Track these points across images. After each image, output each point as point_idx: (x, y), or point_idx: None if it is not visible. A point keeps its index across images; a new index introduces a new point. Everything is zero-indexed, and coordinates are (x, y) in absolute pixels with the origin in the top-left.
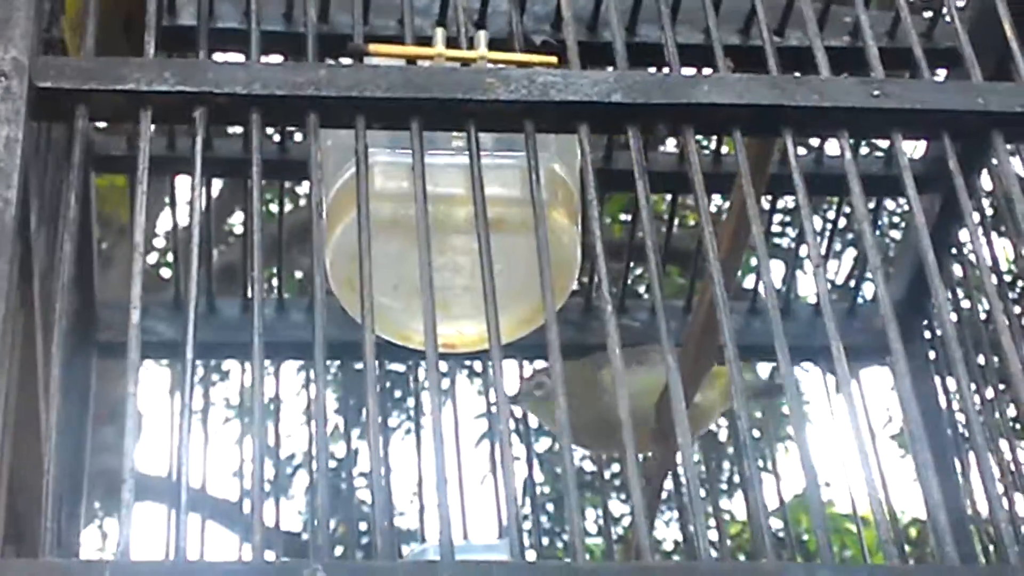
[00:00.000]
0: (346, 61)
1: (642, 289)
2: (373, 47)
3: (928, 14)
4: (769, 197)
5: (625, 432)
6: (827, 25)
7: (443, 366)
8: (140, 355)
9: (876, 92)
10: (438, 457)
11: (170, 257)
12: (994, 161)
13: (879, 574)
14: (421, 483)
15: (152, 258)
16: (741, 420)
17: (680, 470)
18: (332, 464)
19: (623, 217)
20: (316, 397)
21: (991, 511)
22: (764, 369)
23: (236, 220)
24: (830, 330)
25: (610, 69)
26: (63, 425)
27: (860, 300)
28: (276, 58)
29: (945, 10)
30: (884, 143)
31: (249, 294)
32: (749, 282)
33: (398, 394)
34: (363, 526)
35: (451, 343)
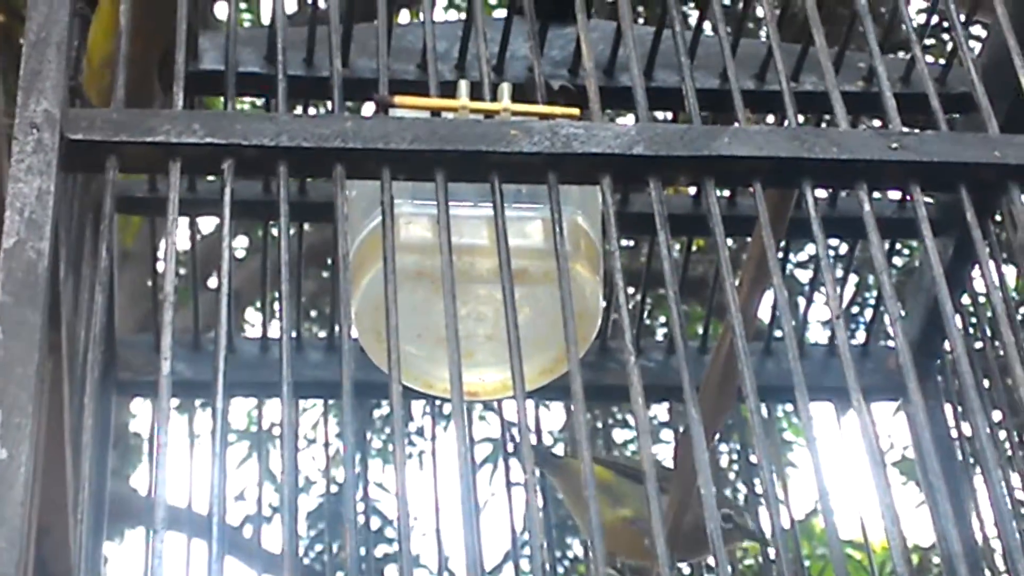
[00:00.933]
0: (365, 108)
1: (657, 319)
2: (398, 99)
3: (942, 60)
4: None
5: (649, 482)
6: (841, 69)
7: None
8: (170, 399)
9: (894, 145)
10: (465, 504)
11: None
12: (1010, 209)
13: None
14: (438, 512)
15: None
16: (763, 471)
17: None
18: (333, 489)
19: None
20: (346, 445)
21: (1004, 542)
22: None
23: (239, 244)
24: (850, 379)
25: (631, 120)
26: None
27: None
28: (294, 99)
29: (960, 58)
30: None
31: (268, 331)
32: (763, 312)
33: (412, 427)
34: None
35: (474, 391)
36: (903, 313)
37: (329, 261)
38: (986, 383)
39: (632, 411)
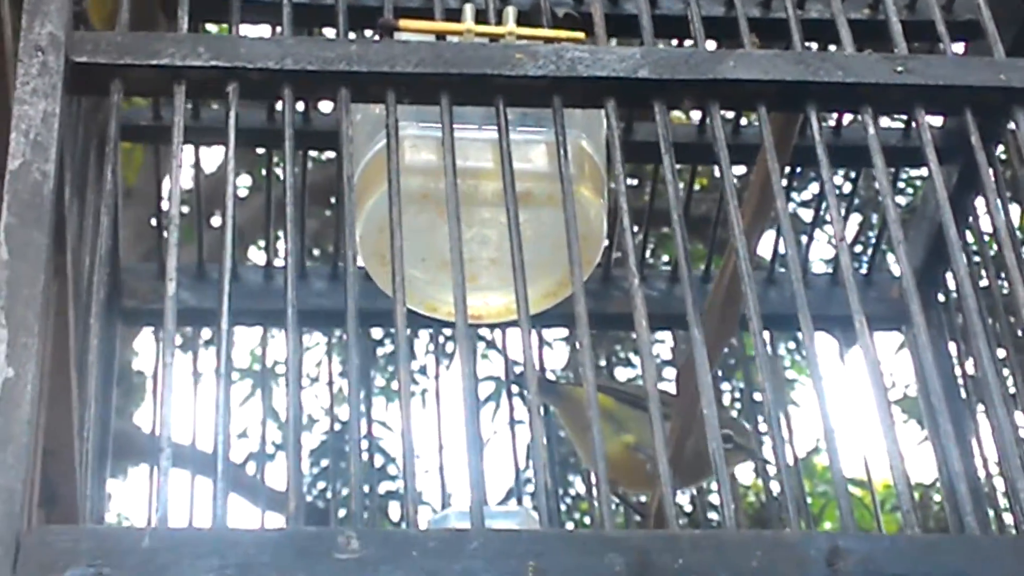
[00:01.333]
0: (370, 34)
1: (660, 257)
2: (403, 23)
3: None
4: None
5: (652, 402)
6: None
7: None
8: (175, 324)
9: (899, 68)
10: (470, 427)
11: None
12: (1013, 130)
13: (900, 543)
14: (441, 448)
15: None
16: (766, 393)
17: (709, 441)
18: (336, 427)
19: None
20: (348, 370)
21: (1008, 477)
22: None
23: (242, 183)
24: (853, 304)
25: (636, 45)
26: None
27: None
28: (301, 27)
29: None
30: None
31: (272, 261)
32: (764, 249)
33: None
34: (366, 488)
35: (478, 314)
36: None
37: (332, 200)
38: (990, 322)
39: (636, 335)
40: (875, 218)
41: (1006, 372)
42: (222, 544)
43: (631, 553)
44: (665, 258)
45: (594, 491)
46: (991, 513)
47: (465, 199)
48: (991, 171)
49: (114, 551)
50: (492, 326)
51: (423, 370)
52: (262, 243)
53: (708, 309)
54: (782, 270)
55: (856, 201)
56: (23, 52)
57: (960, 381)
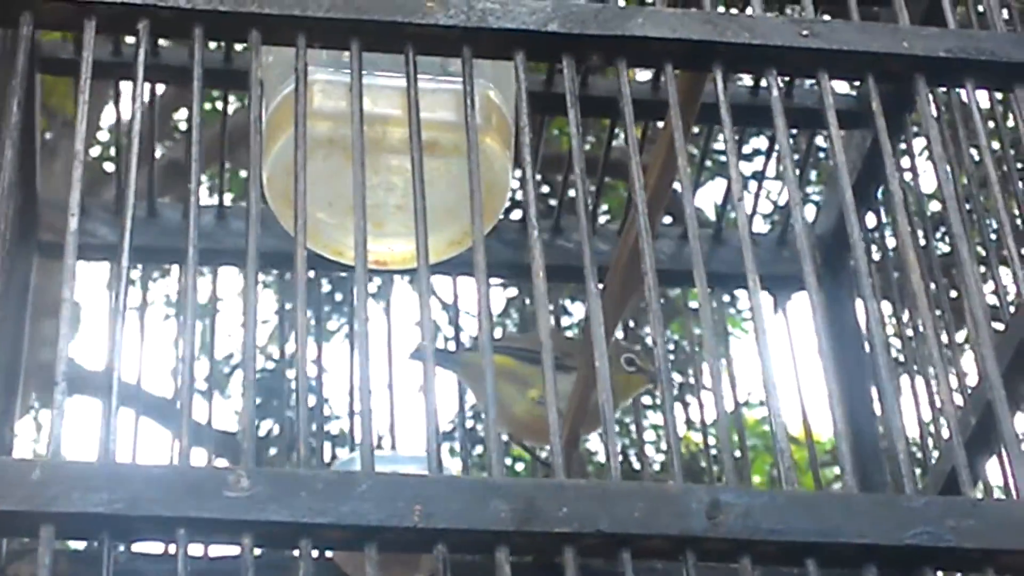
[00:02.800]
0: None
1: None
2: None
3: None
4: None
5: (545, 353)
6: None
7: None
8: (76, 259)
9: (805, 32)
10: (363, 369)
11: (113, 151)
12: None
13: (780, 499)
14: (352, 391)
15: (95, 151)
16: (659, 349)
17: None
18: (269, 366)
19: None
20: (246, 305)
21: (889, 437)
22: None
23: (181, 117)
24: (748, 263)
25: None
26: (1, 322)
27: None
28: None
29: None
30: None
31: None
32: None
33: (339, 297)
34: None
35: (382, 260)
36: (819, 205)
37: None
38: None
39: (533, 286)
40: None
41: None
42: (113, 479)
43: (517, 500)
44: (605, 207)
45: (490, 440)
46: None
47: (372, 146)
48: (901, 133)
49: (2, 481)
50: (396, 272)
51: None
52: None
53: (614, 264)
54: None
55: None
56: None
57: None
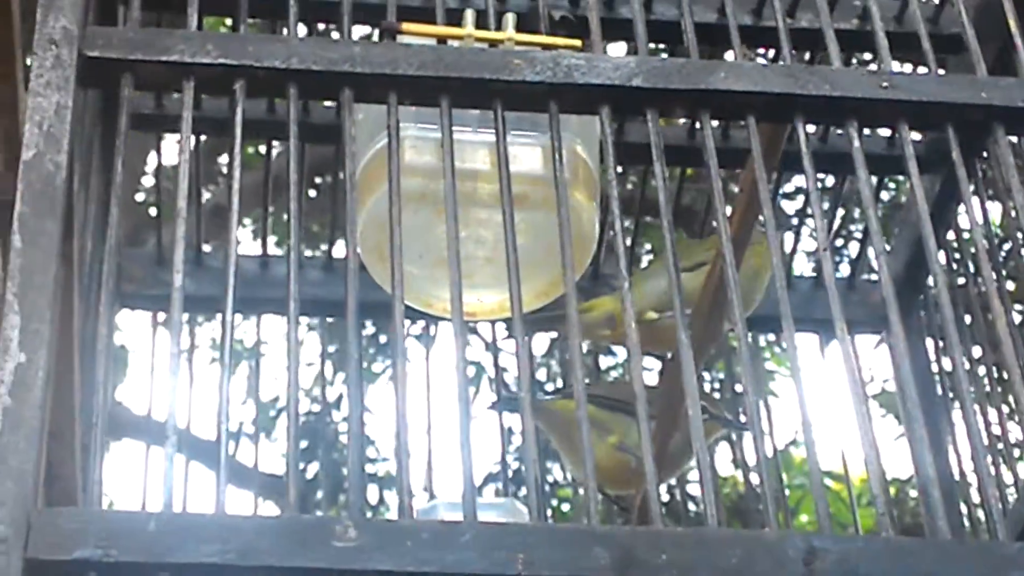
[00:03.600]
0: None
1: (643, 246)
2: (406, 26)
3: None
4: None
5: (640, 403)
6: (836, 7)
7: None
8: (181, 315)
9: (885, 84)
10: (463, 421)
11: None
12: (995, 148)
13: (874, 545)
14: (430, 434)
15: (139, 196)
16: (750, 397)
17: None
18: (314, 409)
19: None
20: (350, 367)
21: (979, 482)
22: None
23: (225, 160)
24: (835, 311)
25: (628, 48)
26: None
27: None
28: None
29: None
30: None
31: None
32: None
33: (383, 339)
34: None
35: (471, 311)
36: (888, 248)
37: (317, 180)
38: (968, 320)
39: (626, 337)
40: (858, 212)
41: (982, 370)
42: (224, 530)
43: (616, 548)
44: (647, 245)
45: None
46: (964, 509)
47: (462, 200)
48: (970, 178)
49: (121, 534)
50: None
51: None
52: (247, 222)
53: (694, 312)
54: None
55: (840, 197)
56: (37, 45)
57: (936, 378)
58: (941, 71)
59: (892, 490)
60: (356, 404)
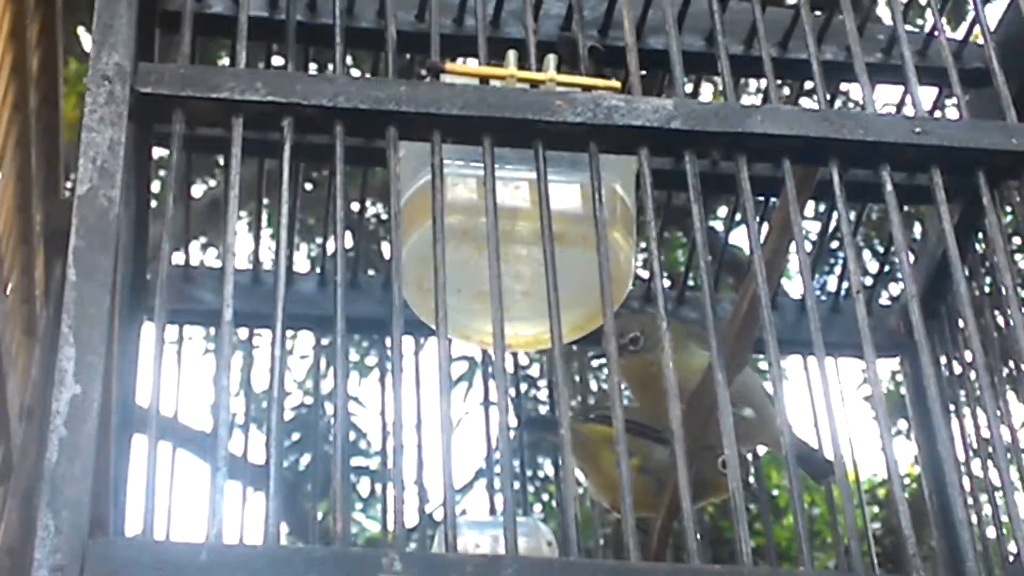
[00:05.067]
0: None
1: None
2: (449, 66)
3: (959, 30)
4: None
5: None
6: (862, 39)
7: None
8: (232, 349)
9: (917, 129)
10: (504, 455)
11: None
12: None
13: None
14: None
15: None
16: (785, 436)
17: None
18: (307, 401)
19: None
20: (394, 392)
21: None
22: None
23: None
24: (866, 347)
25: (666, 98)
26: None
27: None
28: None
29: (977, 35)
30: None
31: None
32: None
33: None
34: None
35: (508, 343)
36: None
37: (314, 174)
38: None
39: (665, 377)
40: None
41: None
42: (274, 562)
43: None
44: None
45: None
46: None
47: (502, 236)
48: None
49: (173, 564)
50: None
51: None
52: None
53: (724, 335)
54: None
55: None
56: (90, 81)
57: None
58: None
59: (882, 492)
60: (398, 439)
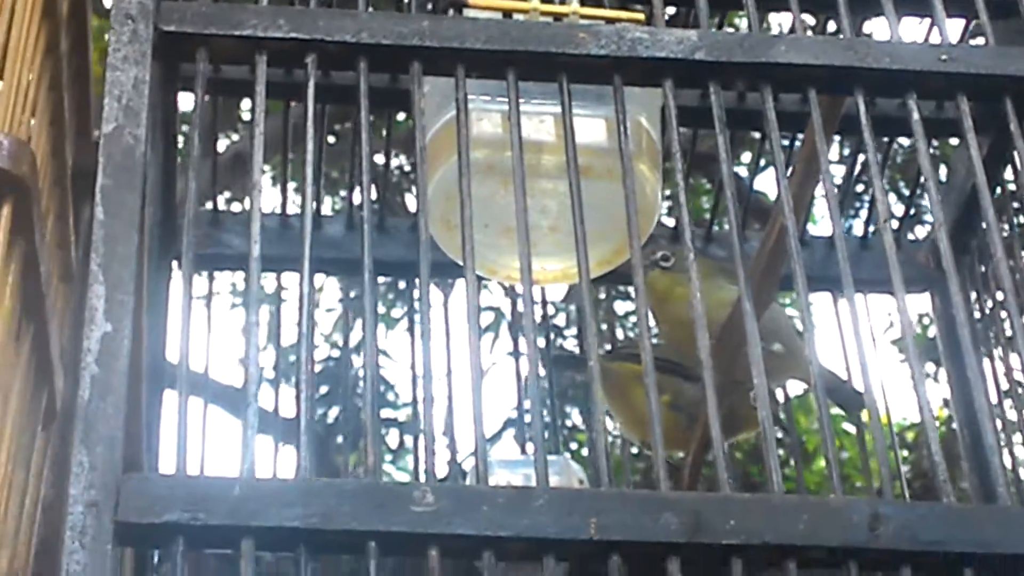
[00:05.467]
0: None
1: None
2: (472, 0)
3: None
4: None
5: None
6: None
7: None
8: (259, 285)
9: (944, 57)
10: (532, 388)
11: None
12: None
13: (937, 511)
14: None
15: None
16: (814, 362)
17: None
18: (335, 355)
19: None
20: (422, 331)
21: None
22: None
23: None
24: (895, 280)
25: (691, 28)
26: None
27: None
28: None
29: None
30: None
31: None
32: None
33: (402, 285)
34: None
35: (536, 278)
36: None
37: (336, 127)
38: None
39: (691, 303)
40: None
41: None
42: (306, 495)
43: (686, 513)
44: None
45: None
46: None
47: (528, 171)
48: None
49: (207, 498)
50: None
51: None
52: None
53: (751, 270)
54: (812, 229)
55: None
56: (114, 20)
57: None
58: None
59: (911, 435)
60: (428, 379)
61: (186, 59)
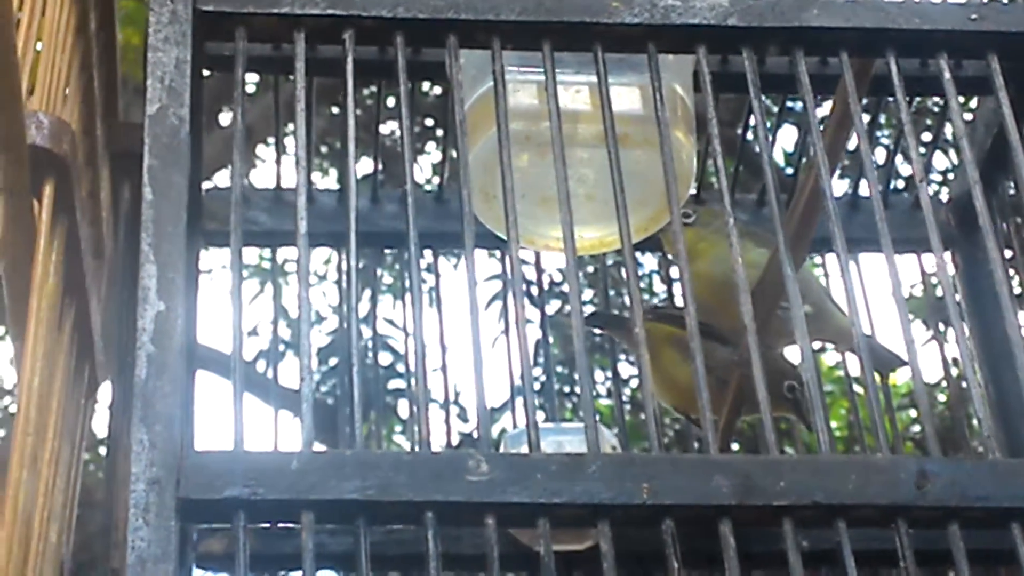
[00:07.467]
0: None
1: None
2: None
3: None
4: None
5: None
6: None
7: None
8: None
9: (973, 16)
10: (581, 357)
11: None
12: None
13: (983, 468)
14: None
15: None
16: (856, 330)
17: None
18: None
19: None
20: (472, 306)
21: None
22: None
23: (249, 79)
24: (934, 241)
25: None
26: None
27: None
28: None
29: None
30: None
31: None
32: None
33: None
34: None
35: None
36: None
37: (339, 97)
38: None
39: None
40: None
41: None
42: (362, 467)
43: (736, 476)
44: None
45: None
46: None
47: (564, 140)
48: None
49: (266, 473)
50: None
51: (429, 268)
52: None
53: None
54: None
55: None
56: (153, 1)
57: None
58: None
59: (942, 396)
60: (478, 351)
61: (225, 38)
